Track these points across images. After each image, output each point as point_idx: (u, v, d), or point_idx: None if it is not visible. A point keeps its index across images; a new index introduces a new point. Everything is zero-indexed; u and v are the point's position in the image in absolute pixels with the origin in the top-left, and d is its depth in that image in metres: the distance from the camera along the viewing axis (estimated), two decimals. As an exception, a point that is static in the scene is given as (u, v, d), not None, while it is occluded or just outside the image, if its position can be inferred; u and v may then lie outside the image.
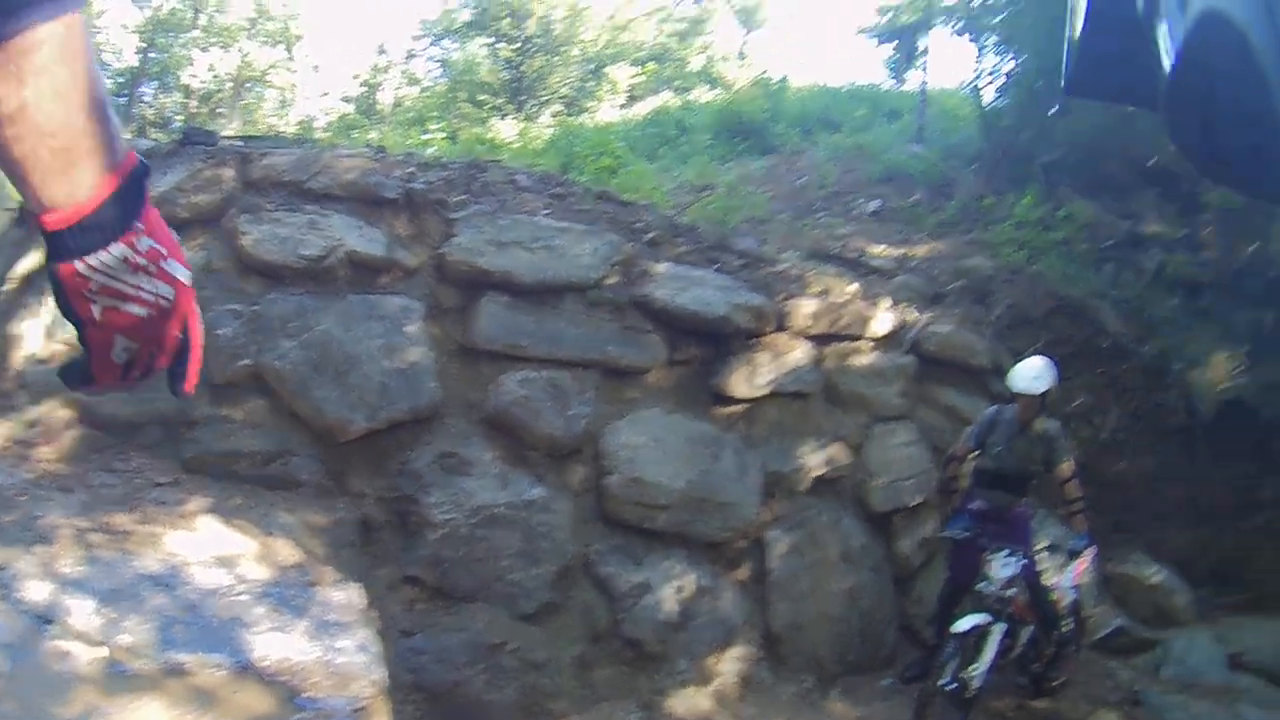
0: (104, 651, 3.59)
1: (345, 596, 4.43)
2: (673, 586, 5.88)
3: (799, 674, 6.37)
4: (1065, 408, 8.44)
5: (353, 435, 5.25)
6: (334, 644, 4.06)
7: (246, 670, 3.75)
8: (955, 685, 5.66)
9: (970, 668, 5.73)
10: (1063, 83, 2.30)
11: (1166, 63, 1.54)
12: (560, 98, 19.18)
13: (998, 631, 5.82)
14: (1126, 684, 7.51)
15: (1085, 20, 2.04)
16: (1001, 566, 5.91)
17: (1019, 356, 8.26)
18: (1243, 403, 8.59)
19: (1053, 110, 13.21)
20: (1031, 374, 6.26)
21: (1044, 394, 6.30)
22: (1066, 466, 6.33)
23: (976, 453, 6.47)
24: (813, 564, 6.59)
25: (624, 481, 5.82)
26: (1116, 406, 8.67)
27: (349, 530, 5.07)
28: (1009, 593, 5.91)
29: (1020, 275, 9.22)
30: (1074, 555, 6.37)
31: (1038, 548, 6.75)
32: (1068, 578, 6.65)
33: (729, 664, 6.08)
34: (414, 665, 4.97)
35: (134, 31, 19.35)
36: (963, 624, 5.82)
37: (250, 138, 6.83)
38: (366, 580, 4.91)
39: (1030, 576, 6.17)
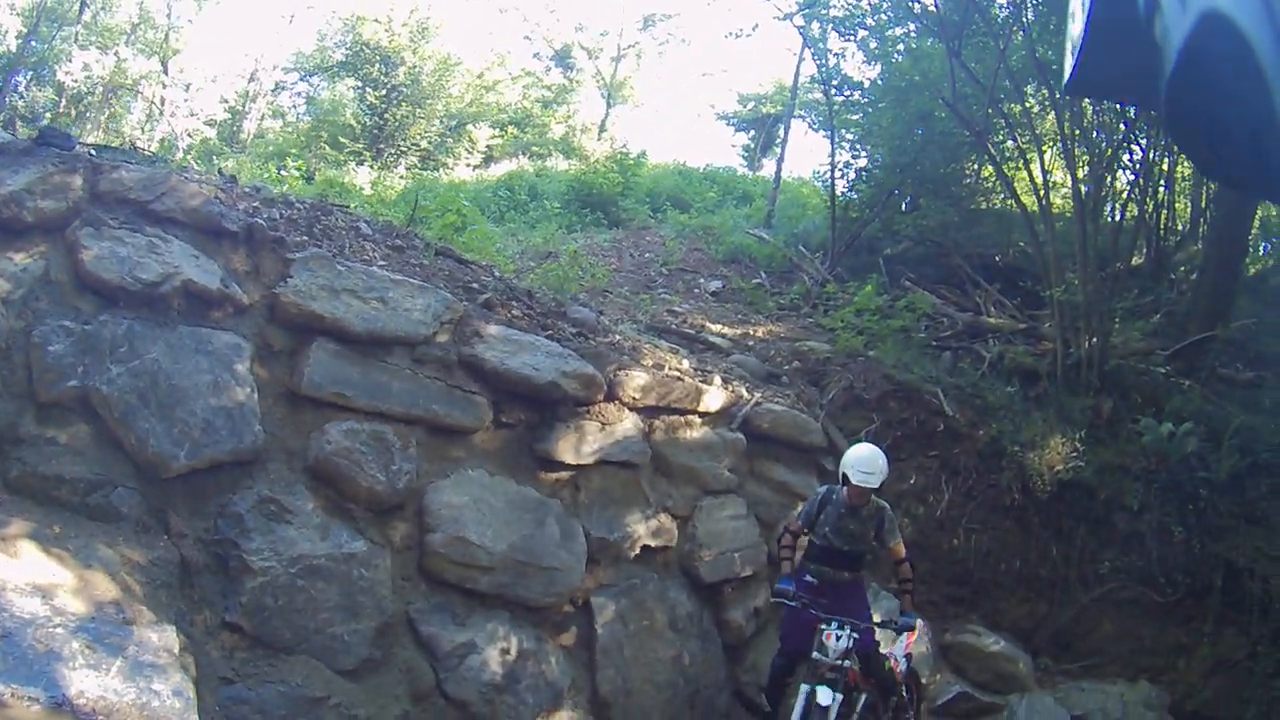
0: None
1: (160, 638, 4.61)
2: (497, 648, 6.31)
3: (627, 740, 6.91)
4: (900, 486, 9.41)
5: (175, 472, 5.43)
6: (150, 686, 4.26)
7: (61, 707, 3.95)
8: None
9: None
10: (1064, 82, 2.38)
11: (1167, 62, 1.62)
12: (419, 150, 20.09)
13: (835, 700, 6.46)
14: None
15: (1085, 20, 2.12)
16: (836, 639, 6.50)
17: (852, 437, 9.27)
18: (1080, 483, 9.72)
19: (902, 207, 14.65)
20: (866, 468, 6.88)
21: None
22: (898, 547, 7.16)
23: (807, 530, 7.14)
24: (639, 631, 7.20)
25: (447, 540, 6.22)
26: (950, 486, 9.66)
27: (168, 570, 5.21)
28: (845, 664, 6.54)
29: (857, 359, 10.23)
30: (904, 630, 7.08)
31: (875, 620, 7.40)
32: (899, 648, 7.40)
33: None
34: (233, 715, 5.12)
35: (17, 15, 19.39)
36: (823, 697, 6.42)
37: (105, 148, 6.97)
38: (185, 623, 5.11)
39: (866, 647, 6.83)
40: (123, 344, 5.47)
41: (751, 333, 10.71)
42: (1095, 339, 11.13)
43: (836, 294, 12.51)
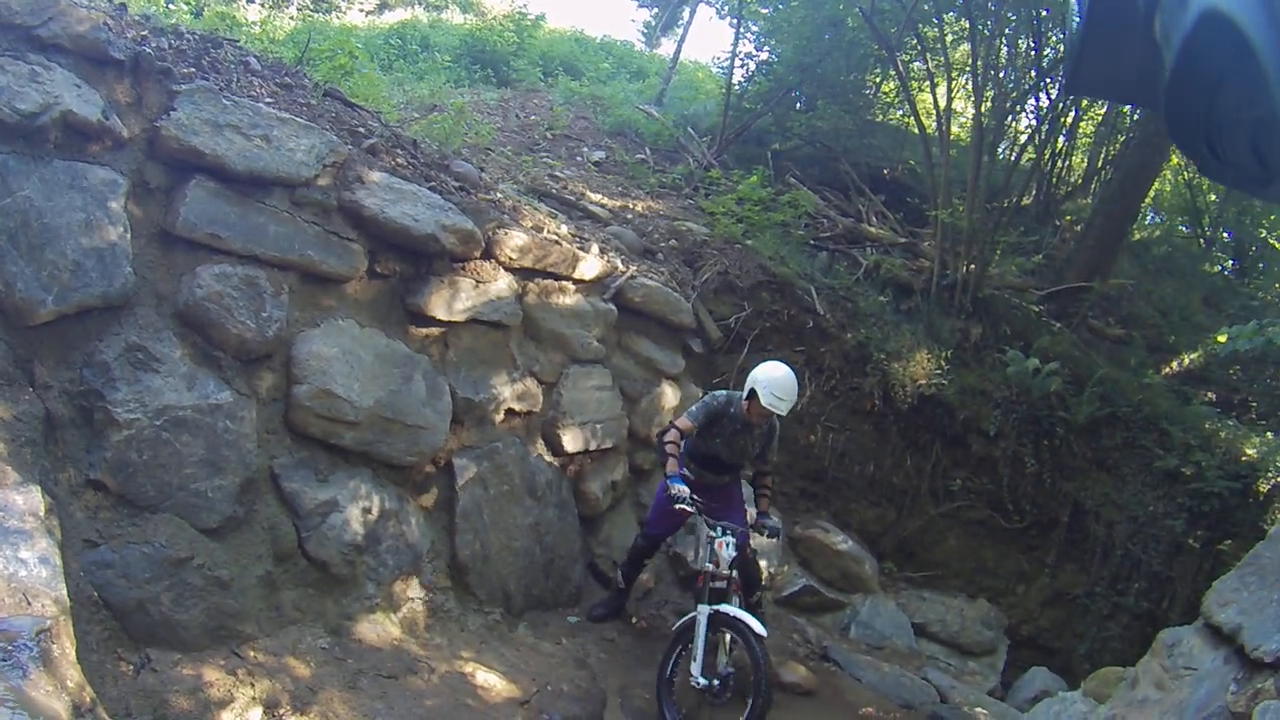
0: None
1: (25, 501, 4.37)
2: (359, 507, 6.28)
3: (486, 606, 7.04)
4: (763, 378, 9.71)
5: (42, 319, 5.17)
6: (15, 555, 4.02)
7: None
8: (713, 683, 6.63)
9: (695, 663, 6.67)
10: (1063, 81, 2.44)
11: (1167, 62, 1.64)
12: None
13: (704, 617, 6.73)
14: (815, 640, 8.80)
15: (1085, 20, 2.13)
16: (726, 548, 6.82)
17: (722, 322, 9.48)
18: (941, 401, 10.17)
19: (798, 106, 14.83)
20: (781, 393, 6.91)
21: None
22: (772, 458, 7.70)
23: (696, 428, 7.19)
24: (499, 496, 7.26)
25: (313, 393, 6.10)
26: (813, 384, 9.96)
27: (32, 425, 4.98)
28: (732, 573, 6.87)
29: (734, 246, 10.33)
30: (774, 535, 7.50)
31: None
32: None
33: (416, 591, 6.63)
34: (99, 580, 5.01)
35: None
36: (701, 618, 6.70)
37: None
38: (50, 483, 4.91)
39: (743, 552, 7.13)
40: None
41: (631, 206, 10.69)
42: (974, 265, 11.56)
43: (720, 180, 12.58)
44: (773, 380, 6.97)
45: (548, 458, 7.86)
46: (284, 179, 6.16)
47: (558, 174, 10.59)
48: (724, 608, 6.70)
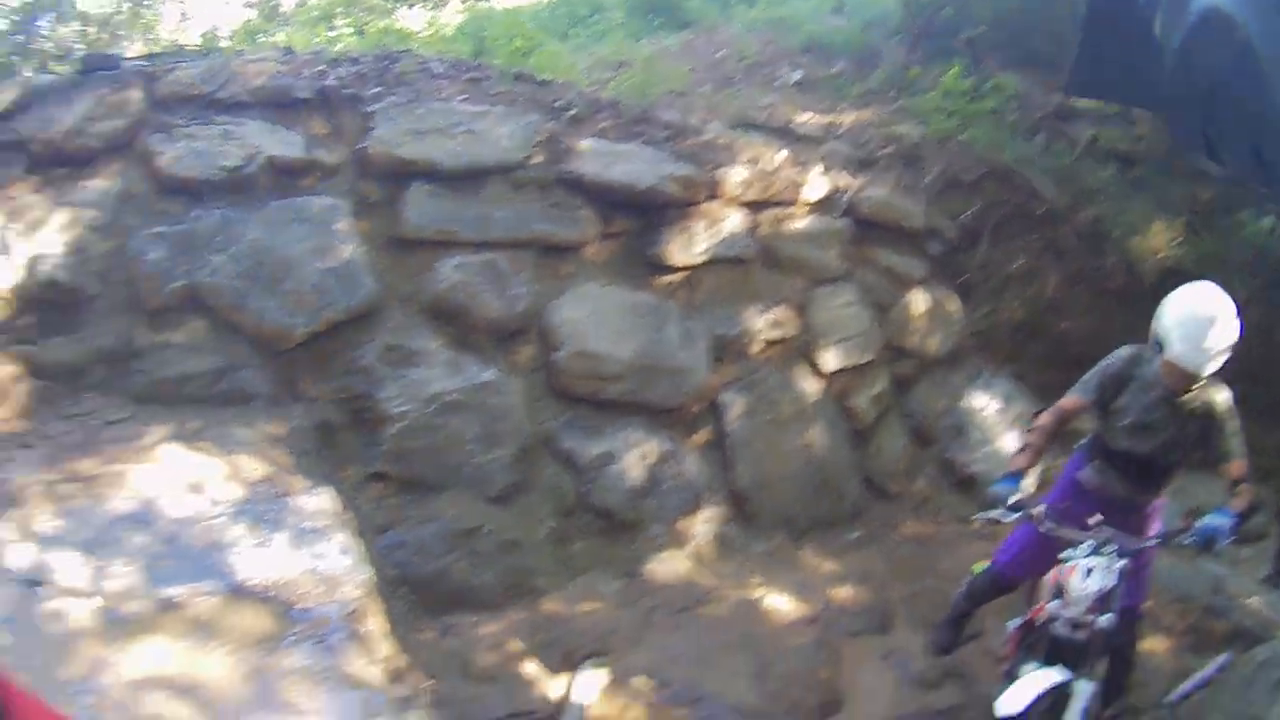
0: (97, 601, 3.65)
1: (317, 503, 4.51)
2: (635, 454, 6.06)
3: (768, 531, 6.63)
4: (1007, 269, 8.78)
5: (296, 340, 5.27)
6: (316, 551, 4.16)
7: (238, 593, 3.84)
8: None
9: None
10: (1063, 83, 2.24)
11: (1167, 62, 1.55)
12: None
13: (1082, 694, 3.94)
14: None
15: (1085, 20, 1.99)
16: (1085, 575, 3.94)
17: (954, 220, 8.62)
18: (1182, 271, 8.94)
19: None
20: (1201, 343, 3.98)
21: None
22: (1237, 465, 4.24)
23: (1094, 412, 4.58)
24: (768, 424, 6.81)
25: (571, 355, 5.94)
26: (1055, 269, 9.02)
27: (309, 436, 5.11)
28: (1098, 622, 3.93)
29: (950, 142, 9.37)
30: (1209, 537, 3.99)
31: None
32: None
33: (701, 525, 6.31)
34: (395, 560, 5.08)
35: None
36: (1023, 690, 3.90)
37: (153, 55, 6.69)
38: (335, 483, 4.98)
39: (1134, 600, 4.28)
40: (219, 233, 5.27)
41: (840, 121, 9.91)
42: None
43: (919, 77, 11.61)
44: (1184, 318, 4.06)
45: (810, 380, 7.33)
46: (498, 166, 6.03)
47: (760, 103, 9.88)
48: (1066, 680, 3.95)
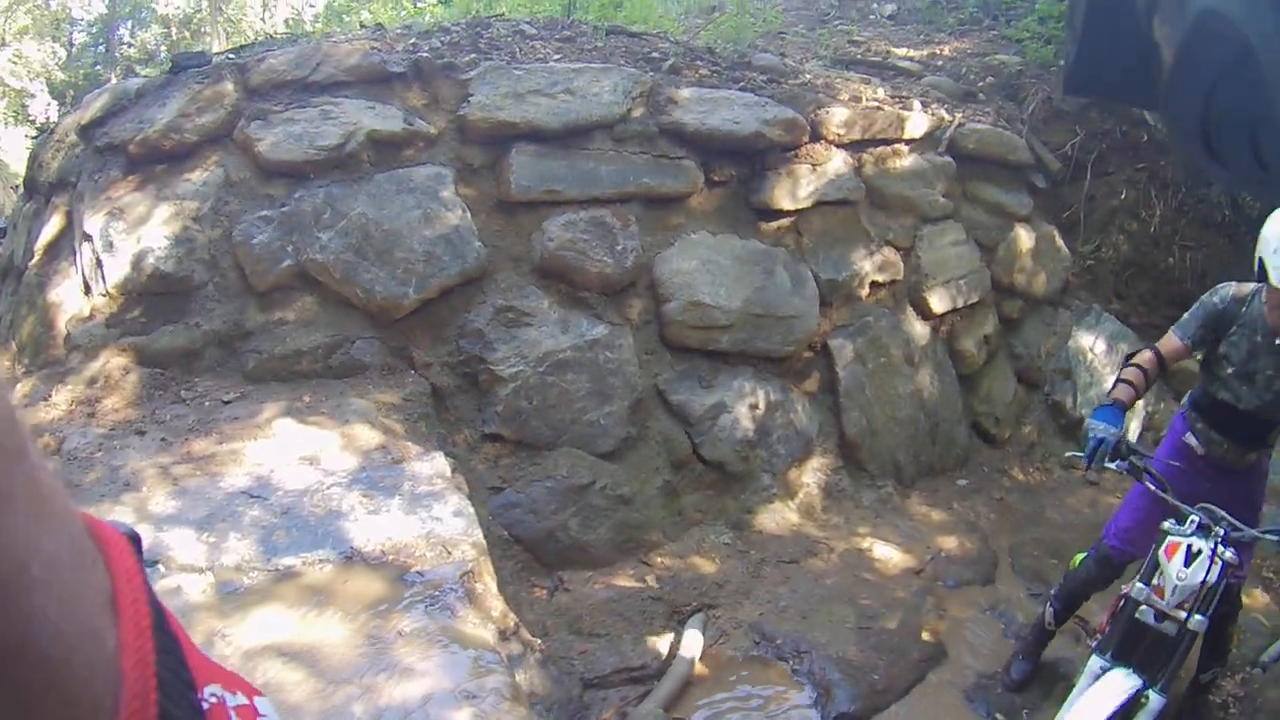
0: (211, 577, 3.66)
1: (431, 467, 4.48)
2: (746, 404, 5.93)
3: (877, 479, 6.47)
4: (1112, 202, 8.36)
5: (407, 309, 5.25)
6: (430, 514, 4.14)
7: (352, 559, 3.83)
8: None
9: None
10: (1062, 82, 2.18)
11: (1166, 62, 1.50)
12: None
13: (1151, 711, 3.38)
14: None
15: (1085, 20, 1.98)
16: (1186, 559, 3.37)
17: (1058, 151, 8.17)
18: None
19: None
20: None
21: None
22: None
23: (1194, 355, 4.14)
24: (878, 369, 6.62)
25: (682, 307, 5.81)
26: (1160, 202, 8.53)
27: (422, 402, 5.09)
28: (1190, 622, 3.37)
29: (1049, 70, 8.91)
30: None
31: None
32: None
33: (810, 475, 6.18)
34: (508, 520, 5.06)
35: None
36: (1092, 709, 3.36)
37: (242, 48, 6.70)
38: (448, 446, 4.98)
39: (1231, 567, 3.48)
40: (324, 210, 5.24)
41: (938, 52, 9.50)
42: None
43: (1016, 2, 11.06)
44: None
45: (918, 323, 7.09)
46: (599, 122, 5.88)
47: (856, 38, 9.52)
48: (1137, 691, 3.41)
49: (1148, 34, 1.61)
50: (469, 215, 5.48)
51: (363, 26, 6.89)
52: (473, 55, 6.01)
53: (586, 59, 6.25)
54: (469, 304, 5.42)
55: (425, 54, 5.86)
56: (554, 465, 5.26)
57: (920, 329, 7.01)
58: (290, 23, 14.71)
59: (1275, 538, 3.51)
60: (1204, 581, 3.31)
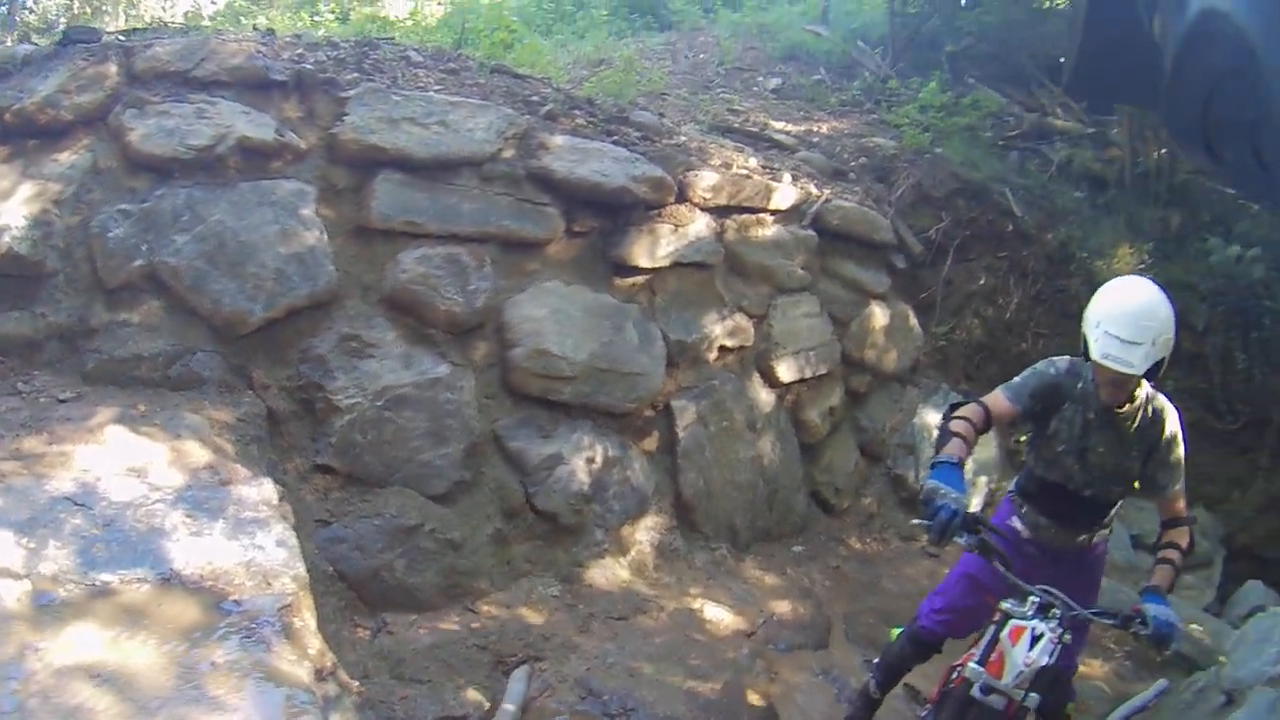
0: (28, 585, 3.60)
1: (258, 493, 4.46)
2: (583, 458, 6.05)
3: (712, 541, 6.67)
4: (970, 287, 8.86)
5: (252, 326, 5.23)
6: (253, 542, 4.12)
7: (170, 581, 3.79)
8: None
9: None
10: (1063, 82, 2.18)
11: (1166, 62, 1.54)
12: None
13: None
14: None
15: (1085, 20, 1.96)
16: (1031, 642, 3.41)
17: (922, 235, 8.65)
18: None
19: (963, 3, 13.60)
20: (1128, 333, 3.52)
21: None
22: (1178, 498, 3.96)
23: (1019, 427, 4.29)
24: (719, 432, 6.84)
25: (528, 354, 5.91)
26: (1019, 289, 9.07)
27: (256, 424, 5.07)
28: (1026, 700, 3.39)
29: (923, 157, 9.43)
30: (1154, 633, 3.51)
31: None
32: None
33: (644, 533, 6.34)
34: (333, 555, 5.05)
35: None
36: None
37: (134, 30, 6.60)
38: (278, 473, 4.96)
39: (1069, 662, 3.71)
40: (184, 213, 5.22)
41: (815, 129, 9.94)
42: (1166, 150, 10.22)
43: (899, 90, 11.62)
44: (1111, 312, 3.65)
45: (764, 390, 7.37)
46: (468, 158, 5.99)
47: (737, 107, 9.92)
48: None
49: (1148, 35, 1.67)
50: (325, 237, 5.51)
51: (255, 29, 6.92)
52: (355, 74, 6.09)
53: (466, 93, 6.38)
54: (315, 328, 5.44)
55: (309, 66, 5.91)
56: (384, 503, 5.28)
57: (766, 396, 7.28)
58: (189, 15, 14.62)
59: (1111, 621, 3.68)
60: (1046, 666, 3.35)
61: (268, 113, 5.61)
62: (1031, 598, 3.49)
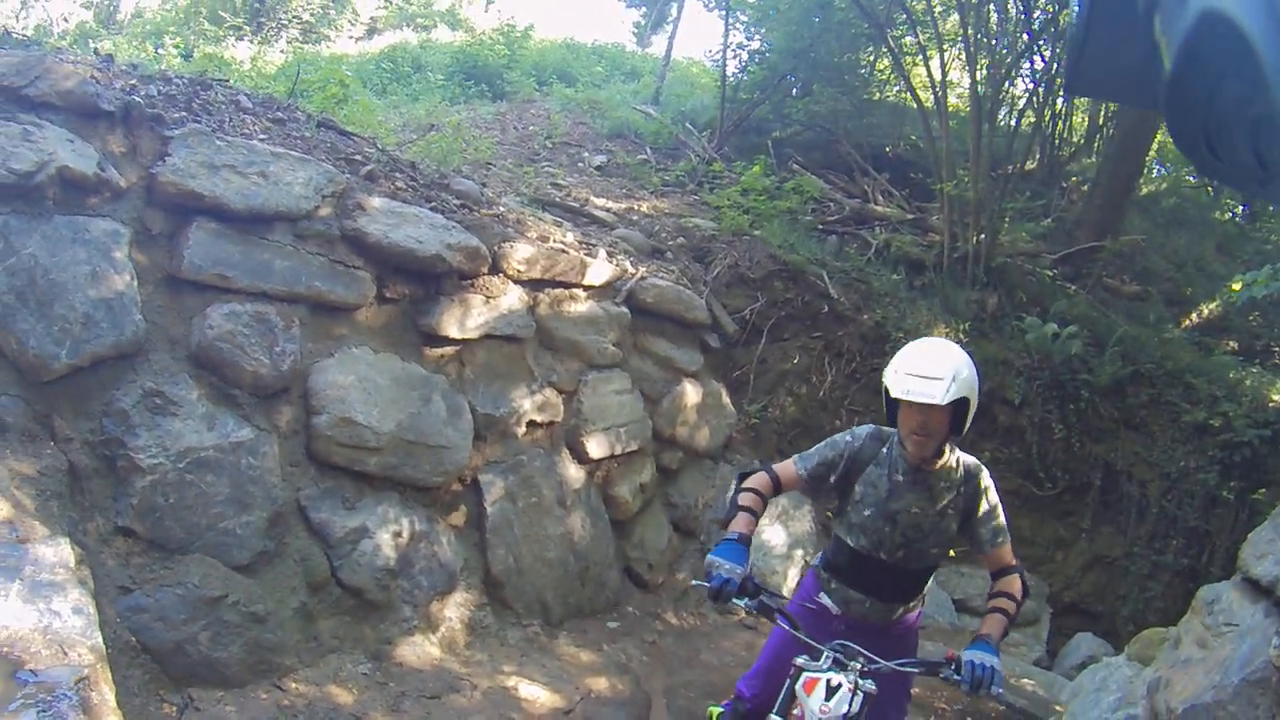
0: None
1: (56, 554, 4.39)
2: (389, 531, 6.24)
3: (524, 618, 6.99)
4: (783, 365, 9.62)
5: (56, 373, 5.17)
6: (49, 607, 4.05)
7: None
8: None
9: None
10: (1063, 81, 2.33)
11: (1167, 61, 1.60)
12: (300, 22, 19.75)
13: None
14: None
15: (1085, 19, 2.08)
16: (827, 694, 3.64)
17: (736, 315, 9.41)
18: None
19: (793, 92, 14.87)
20: (922, 370, 3.83)
21: (955, 405, 3.89)
22: (1003, 551, 4.17)
23: (810, 489, 4.39)
24: (528, 508, 7.21)
25: (333, 422, 6.06)
26: (833, 368, 9.92)
27: (57, 479, 5.01)
28: None
29: (742, 238, 10.30)
30: (971, 680, 3.65)
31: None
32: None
33: (454, 610, 6.59)
34: (136, 625, 5.01)
35: None
36: None
37: None
38: (79, 533, 4.93)
39: (885, 712, 3.96)
40: None
41: (636, 208, 10.68)
42: (983, 235, 11.54)
43: (723, 173, 12.63)
44: (907, 355, 3.96)
45: (574, 466, 7.80)
46: (285, 213, 6.15)
47: (560, 182, 10.60)
48: None
49: (1149, 34, 1.72)
50: (136, 284, 5.51)
51: (96, 54, 6.88)
52: (184, 113, 6.16)
53: (291, 145, 6.57)
54: (119, 380, 5.43)
55: (140, 98, 5.94)
56: (187, 571, 5.29)
57: (575, 472, 7.71)
58: (39, 29, 14.57)
59: (920, 669, 3.92)
60: (847, 714, 3.56)
61: (92, 143, 5.61)
62: (826, 652, 3.76)
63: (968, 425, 3.99)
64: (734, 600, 3.81)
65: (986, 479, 4.14)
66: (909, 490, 4.06)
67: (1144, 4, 1.78)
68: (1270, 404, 10.68)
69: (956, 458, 4.11)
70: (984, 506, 4.10)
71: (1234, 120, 1.55)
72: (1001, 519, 4.14)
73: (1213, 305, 13.69)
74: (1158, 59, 1.65)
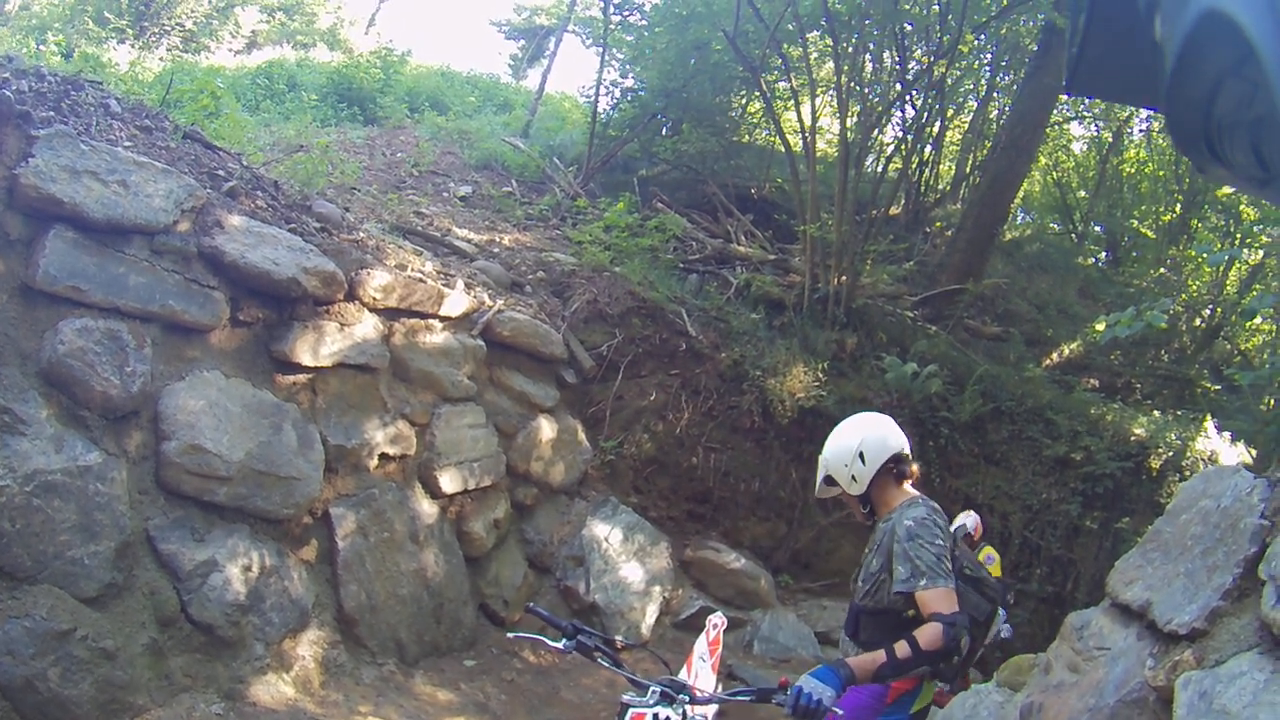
0: None
1: None
2: (239, 565, 6.40)
3: (379, 656, 7.26)
4: (640, 402, 10.17)
5: None
6: None
7: None
8: None
9: None
10: (1064, 81, 2.38)
11: (1167, 61, 1.67)
12: (183, 30, 20.04)
13: None
14: (719, 659, 9.23)
15: (1085, 19, 2.15)
16: None
17: (594, 351, 9.91)
18: (822, 411, 10.79)
19: (663, 131, 15.65)
20: (825, 453, 4.61)
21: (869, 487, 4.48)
22: (924, 596, 4.17)
23: None
24: (380, 543, 7.49)
25: (183, 449, 6.19)
26: (691, 405, 10.51)
27: None
28: None
29: (602, 274, 10.85)
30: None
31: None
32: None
33: (306, 647, 6.80)
34: None
35: None
36: None
37: None
38: None
39: None
40: None
41: (498, 240, 11.12)
42: (845, 277, 12.32)
43: (587, 209, 13.25)
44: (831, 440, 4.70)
45: (427, 501, 8.12)
46: (143, 226, 6.26)
47: (423, 211, 11.01)
48: None
49: (1149, 34, 1.79)
50: None
51: None
52: (51, 112, 6.20)
53: (155, 155, 6.65)
54: None
55: (9, 92, 5.90)
56: (34, 602, 5.32)
57: (428, 507, 8.05)
58: None
59: (748, 697, 3.99)
60: None
61: (-45, 140, 5.53)
62: (653, 688, 3.95)
63: (860, 483, 4.50)
64: (560, 642, 4.31)
65: (904, 523, 4.33)
66: (869, 554, 4.54)
67: (1144, 4, 1.88)
68: (1132, 438, 11.72)
69: (901, 504, 4.51)
70: (895, 548, 4.30)
71: (1234, 120, 1.63)
72: (908, 560, 4.21)
73: (1074, 345, 14.90)
74: (1158, 59, 1.74)
